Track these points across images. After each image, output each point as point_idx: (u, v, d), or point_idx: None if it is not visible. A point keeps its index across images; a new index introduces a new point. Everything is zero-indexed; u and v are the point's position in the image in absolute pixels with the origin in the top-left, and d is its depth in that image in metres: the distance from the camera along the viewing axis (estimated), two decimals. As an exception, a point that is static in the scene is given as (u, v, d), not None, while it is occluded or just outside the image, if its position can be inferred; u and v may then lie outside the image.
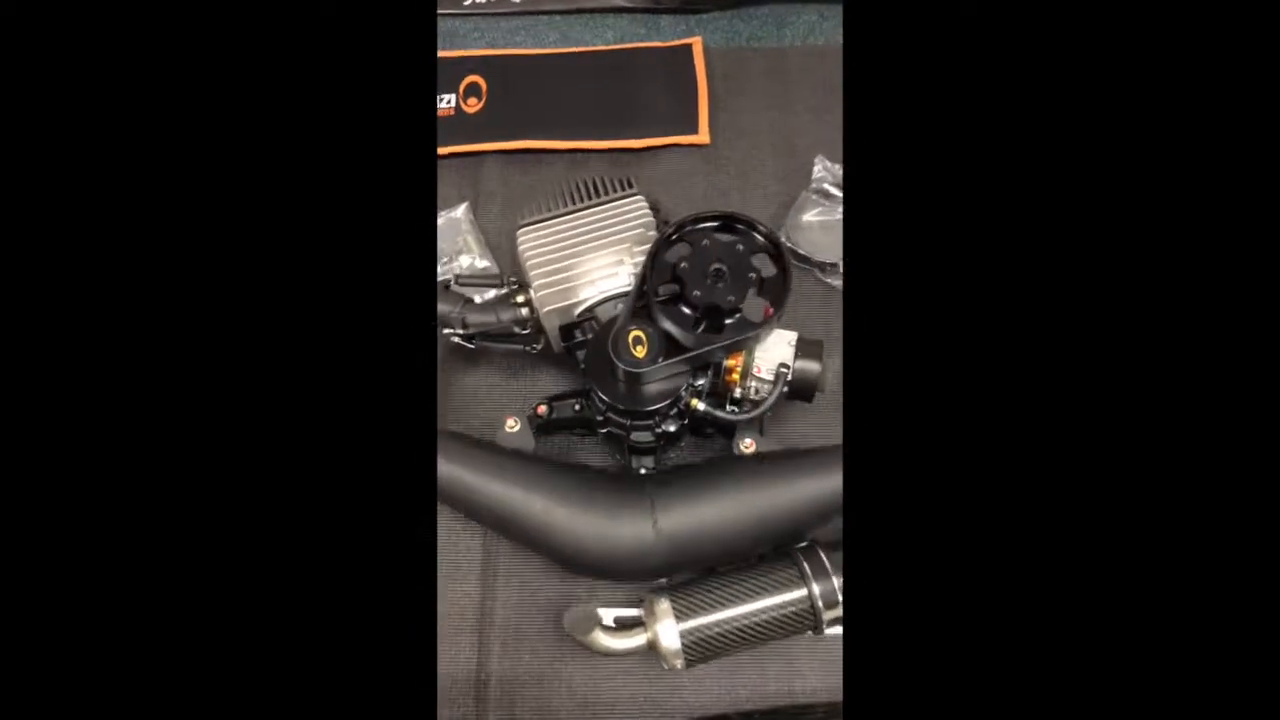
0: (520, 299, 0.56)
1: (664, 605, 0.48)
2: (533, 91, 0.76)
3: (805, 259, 0.68)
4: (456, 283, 0.59)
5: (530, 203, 0.72)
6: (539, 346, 0.59)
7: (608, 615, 0.55)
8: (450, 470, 0.51)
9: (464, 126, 0.75)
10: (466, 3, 0.82)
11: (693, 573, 0.52)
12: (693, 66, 0.77)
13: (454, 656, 0.57)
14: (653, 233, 0.56)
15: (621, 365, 0.49)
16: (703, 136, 0.74)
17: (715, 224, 0.54)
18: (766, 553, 0.52)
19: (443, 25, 0.82)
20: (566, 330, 0.57)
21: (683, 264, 0.51)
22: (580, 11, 0.83)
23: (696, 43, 0.79)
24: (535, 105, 0.76)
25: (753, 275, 0.52)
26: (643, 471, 0.56)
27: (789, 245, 0.68)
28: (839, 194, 0.70)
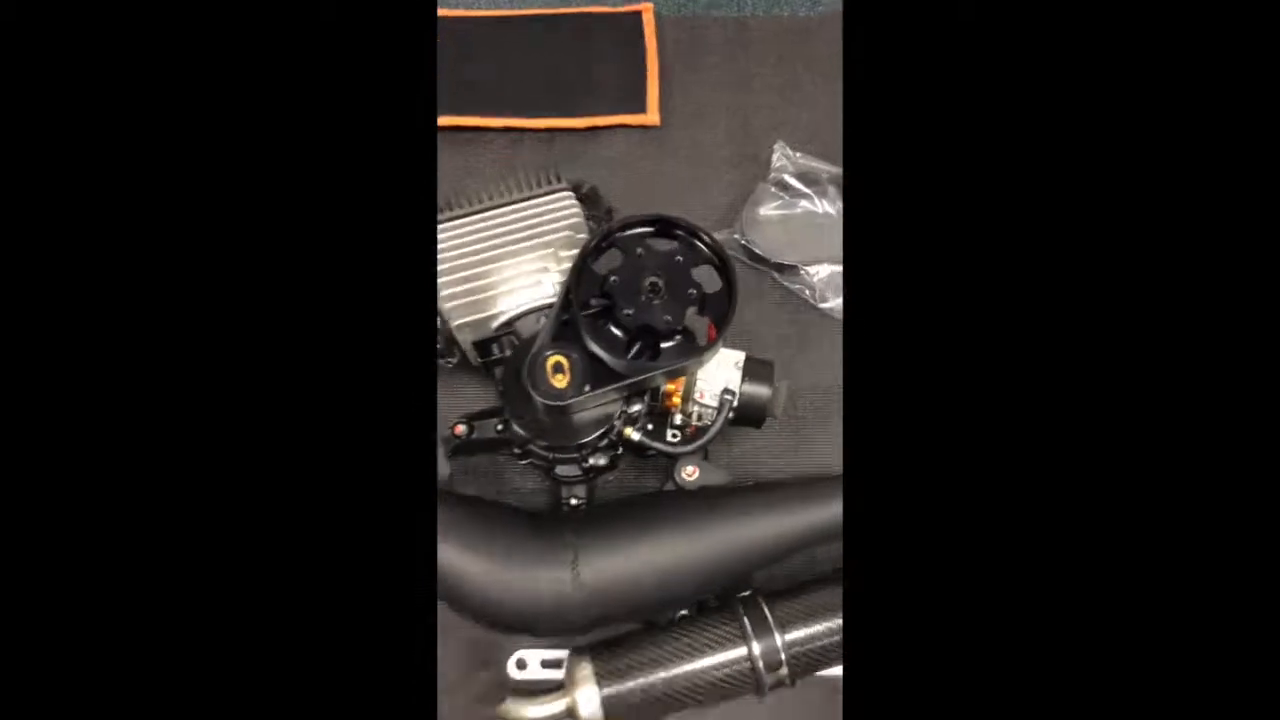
0: (432, 308, 0.49)
1: (585, 669, 0.43)
2: (469, 60, 0.68)
3: (761, 259, 0.61)
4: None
5: (465, 186, 0.65)
6: (454, 360, 0.52)
7: (533, 657, 0.50)
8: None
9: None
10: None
11: (623, 626, 0.47)
12: (642, 36, 0.70)
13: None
14: (582, 235, 0.49)
15: (538, 397, 0.43)
16: (652, 116, 0.66)
17: (651, 229, 0.47)
18: (705, 600, 0.46)
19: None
20: (482, 345, 0.50)
21: (613, 278, 0.45)
22: (521, -31, 0.74)
23: (647, 9, 0.71)
24: (472, 76, 0.68)
25: (693, 291, 0.46)
26: (573, 502, 0.50)
27: (744, 243, 0.61)
28: (800, 186, 0.63)
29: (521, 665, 0.51)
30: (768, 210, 0.63)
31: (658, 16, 0.71)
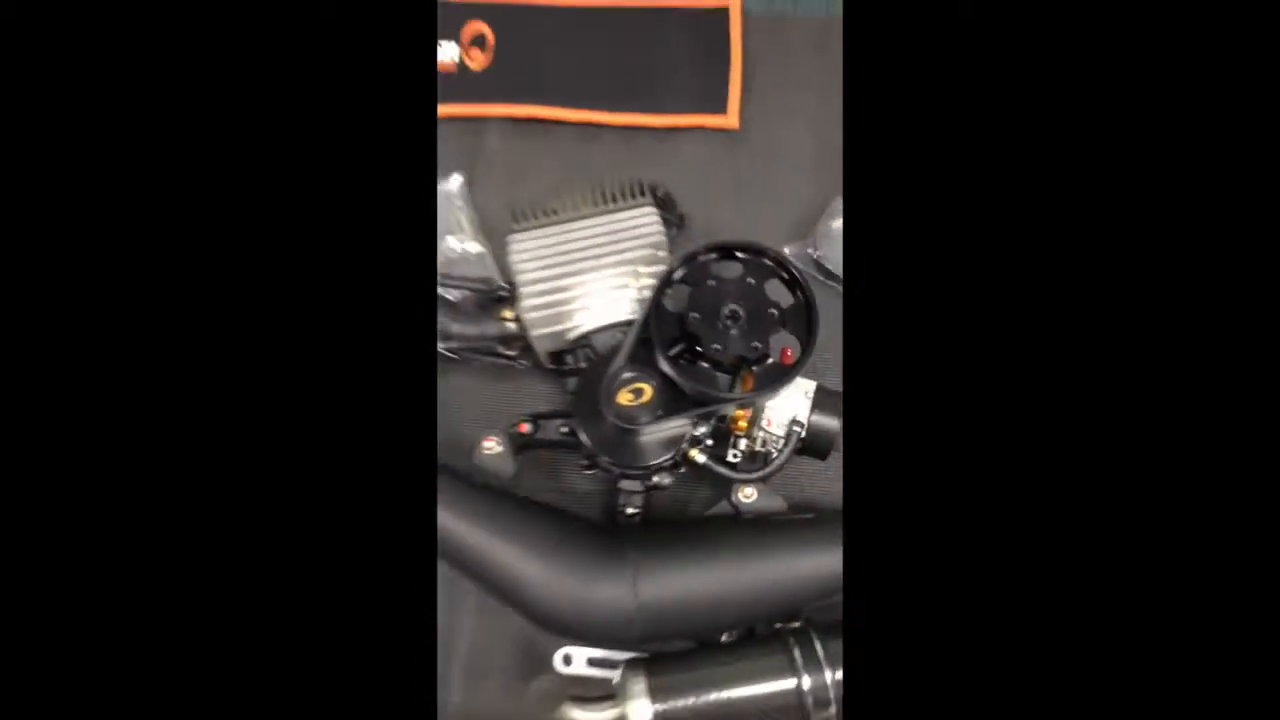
0: (508, 313, 0.50)
1: (639, 684, 0.44)
2: (545, 48, 0.68)
3: (834, 275, 0.61)
4: (441, 285, 0.52)
5: (532, 179, 0.64)
6: (527, 363, 0.53)
7: (579, 654, 0.51)
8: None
9: (467, 85, 0.66)
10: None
11: (672, 643, 0.48)
12: (727, 34, 0.68)
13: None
14: (664, 253, 0.49)
15: (611, 417, 0.44)
16: (731, 119, 0.66)
17: (715, 256, 0.47)
18: (753, 629, 0.47)
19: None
20: (557, 355, 0.51)
21: (693, 314, 0.45)
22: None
23: (734, 5, 0.69)
24: (547, 65, 0.67)
25: (773, 311, 0.46)
26: (629, 511, 0.51)
27: (816, 257, 0.61)
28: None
29: (568, 661, 0.53)
30: (841, 223, 0.62)
31: (745, 14, 0.69)
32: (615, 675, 0.48)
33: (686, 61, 0.67)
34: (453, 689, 0.54)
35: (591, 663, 0.53)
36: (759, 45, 0.69)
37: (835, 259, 0.61)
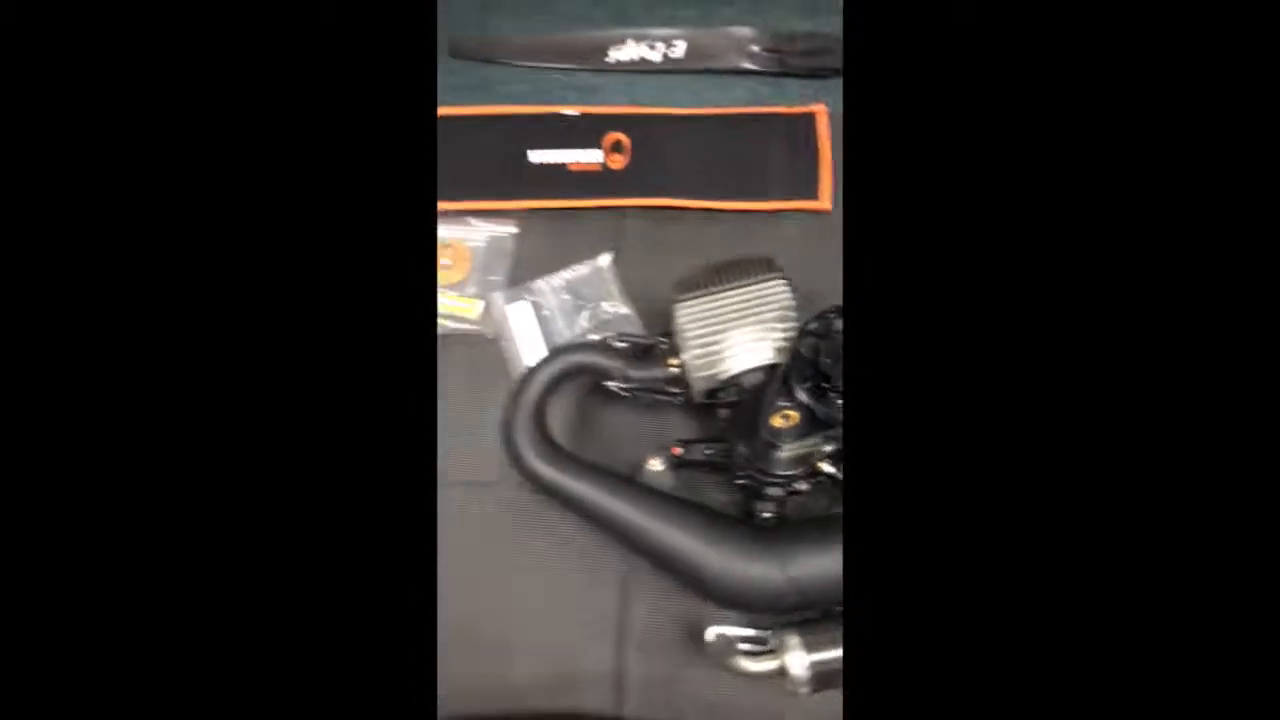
0: (673, 361, 0.65)
1: (795, 639, 0.58)
2: (670, 151, 0.85)
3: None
4: (617, 338, 0.68)
5: (667, 256, 0.80)
6: (682, 400, 0.68)
7: (728, 633, 0.65)
8: (618, 506, 0.62)
9: (609, 182, 0.84)
10: (610, 60, 0.90)
11: (811, 615, 0.62)
12: (815, 134, 0.85)
13: (597, 654, 0.68)
14: (793, 314, 0.64)
15: (766, 435, 0.59)
16: (824, 203, 0.81)
17: (835, 313, 0.62)
18: None
19: (588, 80, 0.90)
20: (710, 393, 0.66)
21: (824, 359, 0.59)
22: (712, 71, 0.90)
23: (820, 110, 0.86)
24: (672, 164, 0.84)
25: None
26: (765, 515, 0.65)
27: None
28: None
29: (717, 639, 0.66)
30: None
31: (830, 115, 0.86)
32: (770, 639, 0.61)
33: (785, 157, 0.84)
34: (629, 659, 0.68)
35: (737, 639, 0.66)
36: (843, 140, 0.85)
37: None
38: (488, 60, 0.90)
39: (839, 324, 0.62)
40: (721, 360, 0.64)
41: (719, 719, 0.65)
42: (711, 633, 0.60)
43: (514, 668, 0.67)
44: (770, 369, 0.63)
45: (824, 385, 0.60)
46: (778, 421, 0.59)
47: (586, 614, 0.69)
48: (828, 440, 0.62)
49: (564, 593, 0.70)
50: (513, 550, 0.71)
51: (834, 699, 0.63)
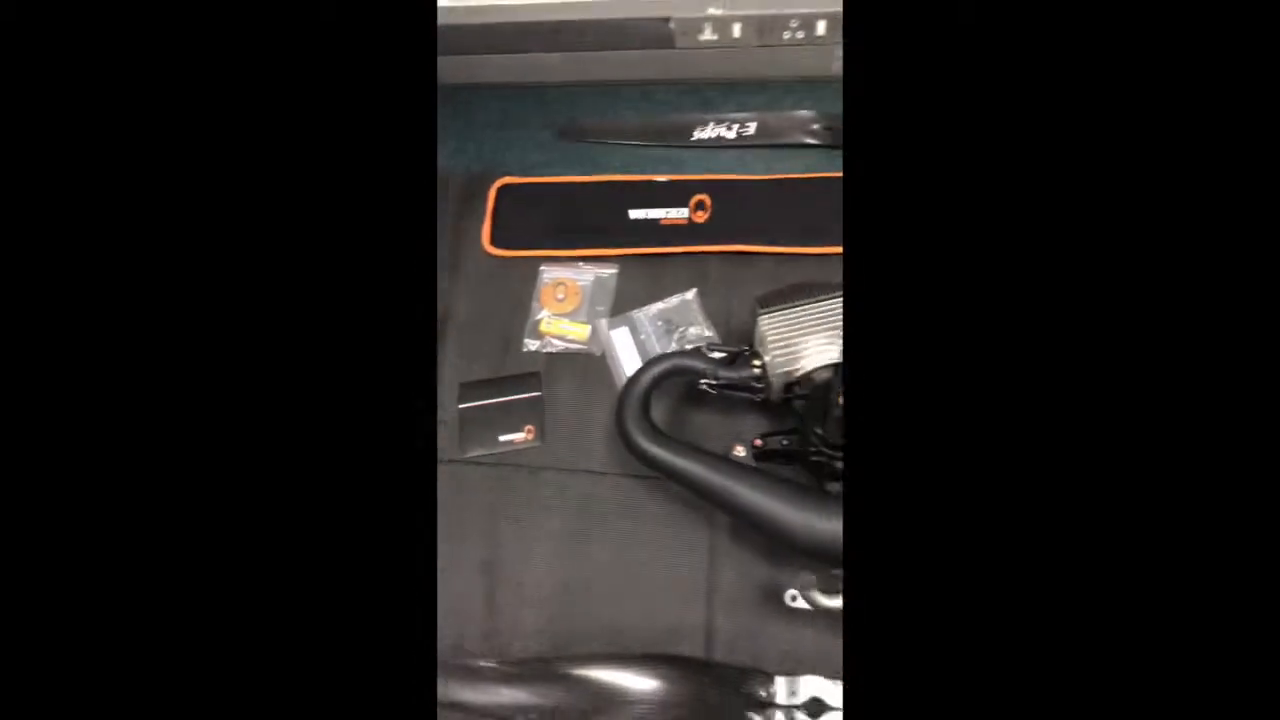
0: (756, 363, 0.81)
1: (860, 578, 0.71)
2: (745, 207, 1.03)
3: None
4: (708, 347, 0.84)
5: (741, 290, 0.97)
6: (760, 398, 0.84)
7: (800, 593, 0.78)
8: (712, 476, 0.76)
9: (693, 232, 1.01)
10: (694, 139, 1.10)
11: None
12: (866, 193, 1.02)
13: (691, 611, 0.80)
14: (854, 324, 0.80)
15: (837, 413, 0.73)
16: (874, 248, 0.98)
17: None
18: None
19: (678, 155, 1.10)
20: (787, 386, 0.81)
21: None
22: (779, 146, 1.09)
23: (870, 176, 1.04)
24: (747, 218, 1.02)
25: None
26: (833, 488, 0.79)
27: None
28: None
29: (793, 599, 0.79)
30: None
31: (877, 181, 1.03)
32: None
33: (839, 210, 1.01)
34: (718, 615, 0.80)
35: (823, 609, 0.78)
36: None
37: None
38: (597, 140, 1.11)
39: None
40: (798, 360, 0.79)
41: (790, 662, 0.77)
42: (797, 579, 0.73)
43: (623, 618, 0.81)
44: (837, 367, 0.78)
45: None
46: (841, 405, 0.73)
47: (681, 576, 0.82)
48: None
49: (663, 560, 0.83)
50: (620, 525, 0.85)
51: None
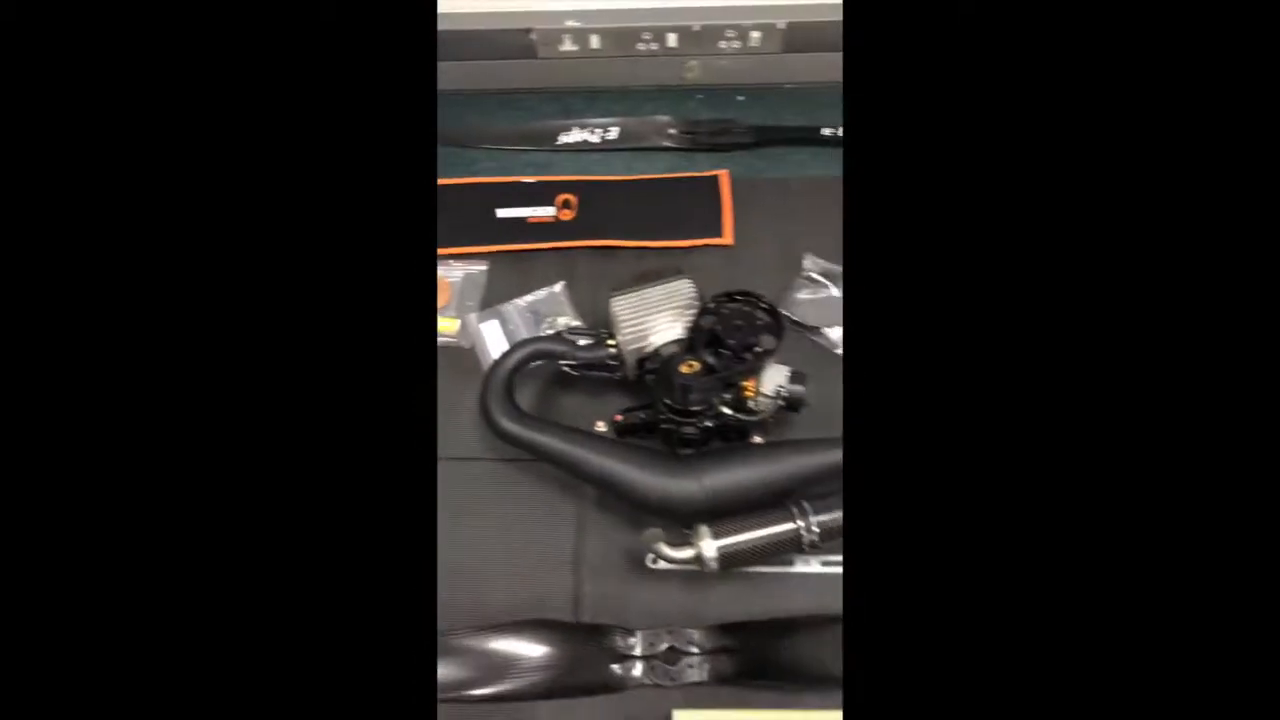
0: (611, 343, 0.86)
1: (705, 530, 0.76)
2: (608, 205, 1.09)
3: (800, 325, 0.98)
4: (568, 331, 0.89)
5: (607, 281, 1.03)
6: (619, 376, 0.89)
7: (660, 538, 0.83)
8: (571, 449, 0.81)
9: (560, 229, 1.07)
10: (560, 143, 1.16)
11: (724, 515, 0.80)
12: (719, 190, 1.10)
13: (560, 580, 0.84)
14: (696, 302, 0.87)
15: (679, 381, 0.79)
16: (727, 239, 1.06)
17: (727, 298, 0.84)
18: (770, 503, 0.80)
19: (546, 158, 1.15)
20: (640, 362, 0.87)
21: (717, 326, 0.81)
22: (640, 149, 1.16)
23: (724, 174, 1.11)
24: (610, 215, 1.08)
25: (759, 323, 0.83)
26: (685, 450, 0.85)
27: (788, 316, 0.99)
28: (823, 280, 1.01)
29: (654, 561, 0.84)
30: (802, 295, 1.01)
31: (731, 178, 1.12)
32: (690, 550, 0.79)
33: (697, 207, 1.08)
34: (585, 582, 0.85)
35: (667, 560, 0.84)
36: (742, 193, 1.11)
37: (798, 315, 0.99)
38: (466, 146, 1.16)
39: (728, 307, 0.84)
40: (647, 337, 0.85)
41: (652, 618, 0.81)
42: (646, 534, 0.78)
43: (491, 594, 0.84)
44: (679, 341, 0.84)
45: (719, 349, 0.82)
46: (685, 369, 0.79)
47: (549, 548, 0.86)
48: (725, 390, 0.83)
49: (532, 536, 0.87)
50: (490, 507, 0.89)
51: (732, 597, 0.80)
